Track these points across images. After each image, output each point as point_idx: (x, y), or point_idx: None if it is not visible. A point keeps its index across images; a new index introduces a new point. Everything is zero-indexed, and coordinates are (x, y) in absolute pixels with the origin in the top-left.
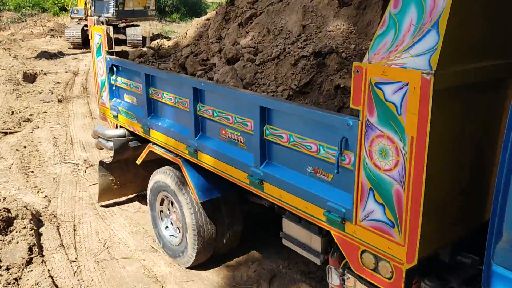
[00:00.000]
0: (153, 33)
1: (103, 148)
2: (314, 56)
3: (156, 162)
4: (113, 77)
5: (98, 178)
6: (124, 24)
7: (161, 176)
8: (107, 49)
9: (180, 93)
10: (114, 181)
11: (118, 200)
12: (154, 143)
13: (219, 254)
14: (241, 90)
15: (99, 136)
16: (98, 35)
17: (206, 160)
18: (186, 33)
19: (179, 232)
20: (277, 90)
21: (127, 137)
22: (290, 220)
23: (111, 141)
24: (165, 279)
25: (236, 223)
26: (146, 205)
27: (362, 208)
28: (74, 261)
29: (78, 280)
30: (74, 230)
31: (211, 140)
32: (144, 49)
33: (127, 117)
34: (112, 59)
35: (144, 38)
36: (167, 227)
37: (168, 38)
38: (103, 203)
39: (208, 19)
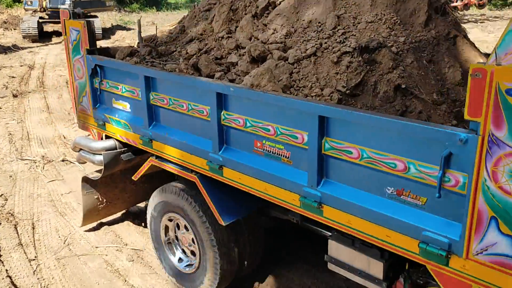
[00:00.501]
0: (112, 24)
1: (85, 162)
2: (359, 52)
3: (149, 174)
4: (97, 80)
5: (82, 197)
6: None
7: (169, 196)
8: (88, 47)
9: (197, 99)
10: (100, 199)
11: (78, 195)
12: (157, 157)
13: (240, 277)
14: (290, 96)
15: (81, 149)
16: (75, 31)
17: (236, 178)
18: (180, 25)
19: (194, 258)
20: (322, 93)
21: (118, 149)
22: (340, 242)
23: (100, 154)
24: (128, 272)
25: (258, 241)
26: None
27: (478, 240)
28: (33, 259)
29: (38, 278)
30: (33, 228)
31: (242, 154)
32: (135, 46)
33: (119, 126)
34: (96, 59)
35: (108, 29)
36: (180, 259)
37: (128, 29)
38: (63, 199)
39: (207, 10)
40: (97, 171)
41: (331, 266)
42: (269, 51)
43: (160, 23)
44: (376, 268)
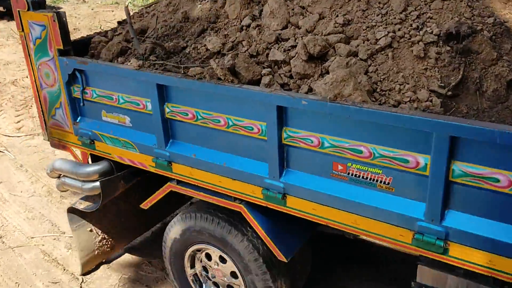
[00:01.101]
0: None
1: (66, 190)
2: (446, 40)
3: (143, 192)
4: (77, 88)
5: (73, 234)
6: None
7: (201, 224)
8: (61, 47)
9: (243, 113)
10: (96, 231)
11: (9, 185)
12: (179, 182)
13: None
14: (398, 111)
15: (63, 176)
16: (38, 26)
17: (307, 208)
18: (173, 8)
19: None
20: (418, 97)
21: (116, 173)
22: (435, 268)
23: (94, 181)
24: (67, 261)
25: (307, 263)
26: (42, 188)
27: None
28: None
29: None
30: None
31: (313, 179)
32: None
33: (117, 145)
34: (76, 61)
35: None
36: None
37: (56, 8)
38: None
39: None
40: (83, 199)
41: None
42: (329, 45)
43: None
44: None
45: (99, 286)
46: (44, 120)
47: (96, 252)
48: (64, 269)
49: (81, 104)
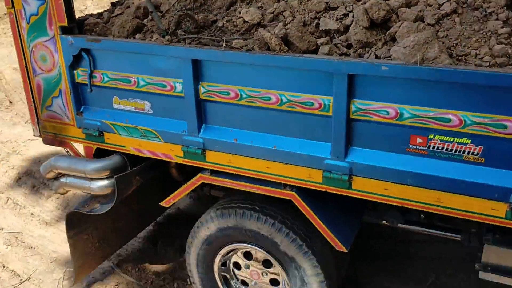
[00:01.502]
0: None
1: (66, 192)
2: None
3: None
4: (81, 72)
5: (68, 243)
6: None
7: (238, 219)
8: (65, 24)
9: (299, 88)
10: (91, 239)
11: None
12: (213, 172)
13: None
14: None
15: (63, 174)
16: (35, 0)
17: (378, 189)
18: None
19: None
20: (496, 62)
21: (131, 168)
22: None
23: (106, 178)
24: (6, 258)
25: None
26: None
27: None
28: None
29: None
30: None
31: (384, 156)
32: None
33: (134, 135)
34: (85, 40)
35: None
36: None
37: None
38: None
39: None
40: (87, 201)
41: (485, 275)
42: (392, 10)
43: None
44: None
45: (42, 281)
46: (36, 112)
47: (91, 260)
48: (4, 266)
49: (89, 90)
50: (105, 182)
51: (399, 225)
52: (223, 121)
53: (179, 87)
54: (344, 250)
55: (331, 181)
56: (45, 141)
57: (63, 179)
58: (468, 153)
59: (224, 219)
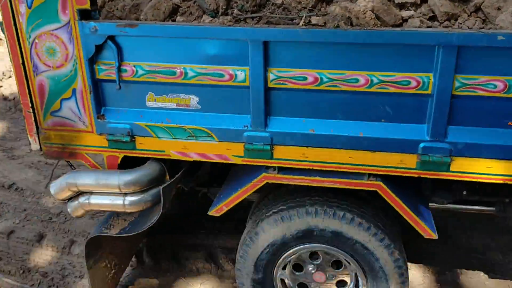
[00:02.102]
0: None
1: (84, 215)
2: None
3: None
4: (105, 66)
5: (88, 274)
6: None
7: (306, 221)
8: (87, 6)
9: (393, 67)
10: (109, 263)
11: None
12: (281, 170)
13: None
14: None
15: (88, 193)
16: None
17: (482, 169)
18: None
19: None
20: None
21: (174, 176)
22: None
23: (144, 191)
24: None
25: None
26: None
27: None
28: None
29: None
30: None
31: (488, 132)
32: None
33: (180, 136)
34: (116, 25)
35: None
36: None
37: None
38: None
39: None
40: (110, 220)
41: None
42: None
43: None
44: None
45: None
46: (36, 120)
47: (108, 284)
48: None
49: (117, 87)
50: (143, 196)
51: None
52: (295, 111)
53: (241, 75)
54: (435, 237)
55: (429, 165)
56: (49, 155)
57: (83, 199)
58: None
59: (287, 222)
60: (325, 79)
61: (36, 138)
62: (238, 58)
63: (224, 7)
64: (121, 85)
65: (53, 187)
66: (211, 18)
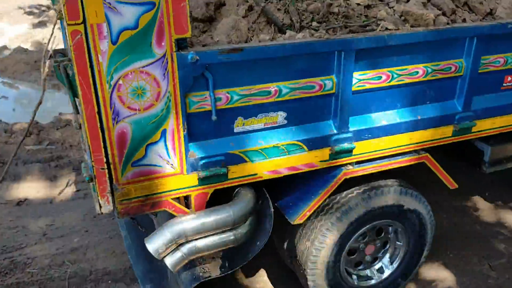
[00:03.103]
0: None
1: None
2: None
3: None
4: (196, 98)
5: None
6: None
7: (384, 199)
8: (187, 35)
9: (440, 57)
10: None
11: None
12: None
13: None
14: None
15: (190, 240)
16: (135, 7)
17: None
18: None
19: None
20: None
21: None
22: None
23: (250, 218)
24: None
25: None
26: None
27: None
28: None
29: None
30: None
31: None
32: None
33: (273, 155)
34: (219, 51)
35: None
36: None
37: None
38: None
39: None
40: (200, 263)
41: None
42: None
43: None
44: None
45: None
46: (112, 177)
47: None
48: None
49: (214, 118)
50: (248, 224)
51: None
52: (369, 108)
53: (329, 84)
54: (455, 186)
55: (460, 132)
56: (125, 214)
57: (188, 247)
58: None
59: (349, 214)
60: (395, 76)
61: (110, 199)
62: (327, 68)
63: (298, 21)
64: (206, 114)
65: (153, 245)
66: (296, 34)
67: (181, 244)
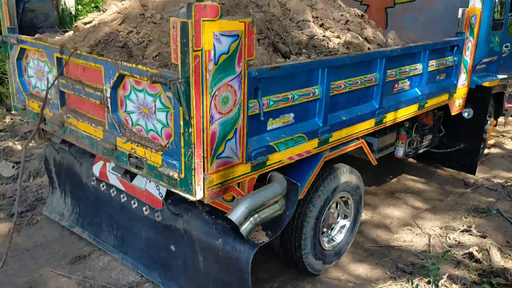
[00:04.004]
0: None
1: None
2: None
3: None
4: (251, 105)
5: None
6: None
7: (343, 177)
8: (253, 57)
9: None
10: None
11: None
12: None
13: None
14: None
15: (255, 212)
16: (228, 38)
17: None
18: None
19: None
20: None
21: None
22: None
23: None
24: None
25: None
26: None
27: None
28: None
29: None
30: None
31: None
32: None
33: (291, 145)
34: (268, 69)
35: None
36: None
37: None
38: None
39: None
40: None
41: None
42: None
43: None
44: None
45: None
46: (204, 169)
47: None
48: None
49: (261, 119)
50: (284, 196)
51: None
52: (339, 107)
53: (317, 91)
54: (375, 162)
55: (379, 123)
56: (210, 199)
57: (254, 218)
58: None
59: (325, 190)
60: (347, 85)
61: (202, 186)
62: (315, 80)
63: (293, 50)
64: (256, 116)
65: (235, 216)
66: (297, 57)
67: (251, 215)
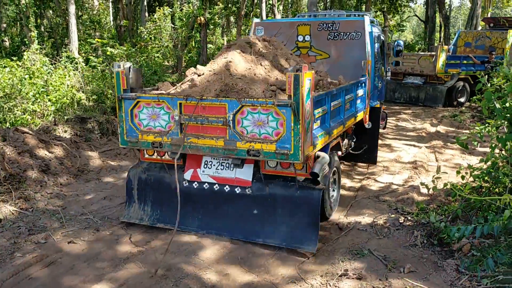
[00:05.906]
0: None
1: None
2: None
3: None
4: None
5: None
6: None
7: (337, 158)
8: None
9: None
10: None
11: None
12: None
13: None
14: None
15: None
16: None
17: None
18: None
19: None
20: None
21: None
22: None
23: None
24: None
25: None
26: None
27: None
28: None
29: None
30: None
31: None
32: None
33: (321, 137)
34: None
35: None
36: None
37: None
38: None
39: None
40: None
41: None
42: None
43: None
44: None
45: None
46: (303, 147)
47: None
48: None
49: (315, 122)
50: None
51: None
52: (330, 118)
53: (326, 109)
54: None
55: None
56: (304, 163)
57: (327, 168)
58: None
59: (332, 164)
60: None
61: (302, 156)
62: (325, 102)
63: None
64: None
65: (317, 170)
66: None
67: (322, 169)
